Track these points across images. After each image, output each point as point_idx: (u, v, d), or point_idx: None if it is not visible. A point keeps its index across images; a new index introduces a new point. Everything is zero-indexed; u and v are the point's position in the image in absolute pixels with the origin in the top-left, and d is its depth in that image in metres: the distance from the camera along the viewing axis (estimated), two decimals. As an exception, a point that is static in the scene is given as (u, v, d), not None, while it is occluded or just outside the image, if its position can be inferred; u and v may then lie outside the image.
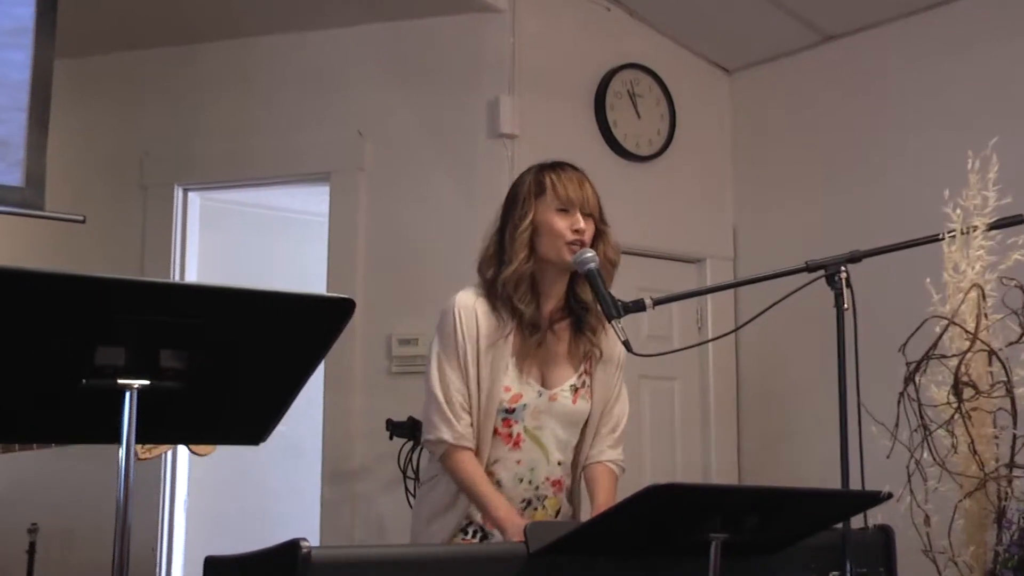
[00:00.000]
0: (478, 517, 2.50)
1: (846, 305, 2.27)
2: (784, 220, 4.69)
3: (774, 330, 4.41)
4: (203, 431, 1.82)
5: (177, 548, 4.47)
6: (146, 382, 1.57)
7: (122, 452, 1.58)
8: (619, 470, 2.63)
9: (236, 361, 1.64)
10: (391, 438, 3.83)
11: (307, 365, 1.69)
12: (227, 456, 5.39)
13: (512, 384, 2.50)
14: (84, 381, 1.54)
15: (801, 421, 4.39)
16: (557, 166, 2.58)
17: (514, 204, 2.56)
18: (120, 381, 1.55)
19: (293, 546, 1.75)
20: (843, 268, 2.33)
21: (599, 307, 2.53)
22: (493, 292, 2.51)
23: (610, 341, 2.62)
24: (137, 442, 1.60)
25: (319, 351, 1.68)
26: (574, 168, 2.59)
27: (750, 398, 4.78)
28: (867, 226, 4.09)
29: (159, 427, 1.67)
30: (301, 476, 5.02)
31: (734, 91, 5.01)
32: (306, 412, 4.74)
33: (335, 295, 1.62)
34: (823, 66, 4.64)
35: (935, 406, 2.05)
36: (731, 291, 4.76)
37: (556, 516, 2.56)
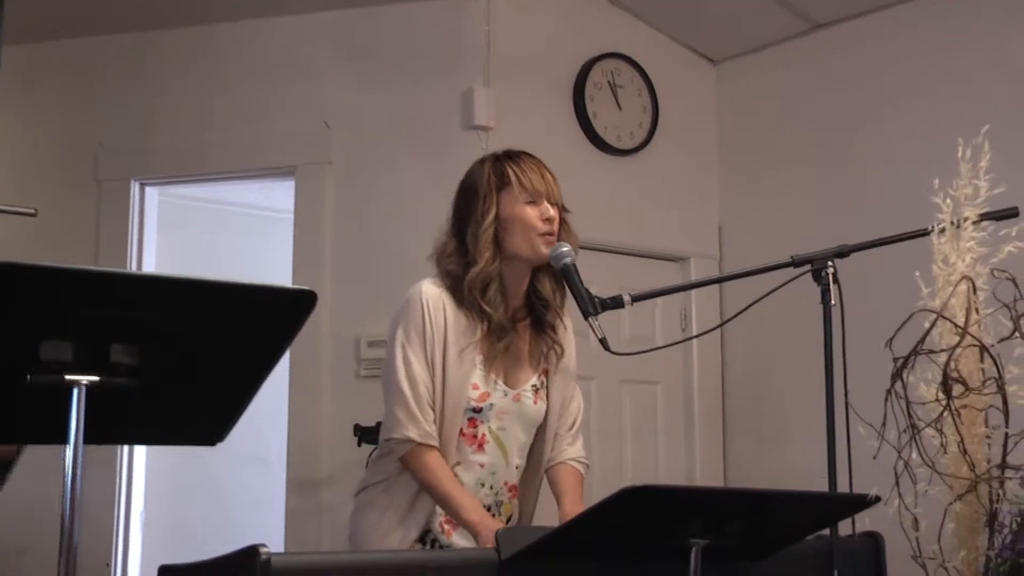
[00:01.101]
0: (435, 525, 2.49)
1: (833, 301, 2.29)
2: (772, 217, 4.71)
3: (760, 331, 4.43)
4: (156, 431, 1.80)
5: (133, 563, 4.45)
6: (95, 378, 1.55)
7: (69, 452, 1.57)
8: (583, 468, 2.65)
9: (191, 357, 1.63)
10: (359, 444, 3.82)
11: (267, 361, 1.68)
12: (186, 466, 5.40)
13: (480, 382, 2.50)
14: (29, 377, 1.52)
15: (790, 425, 4.41)
16: (514, 156, 2.58)
17: (473, 199, 2.54)
18: (68, 377, 1.54)
19: (251, 552, 1.74)
20: (830, 263, 2.35)
21: (557, 302, 2.56)
22: (458, 292, 2.50)
23: (568, 344, 2.65)
24: (86, 442, 1.59)
25: (279, 346, 1.67)
26: (530, 156, 2.60)
27: (736, 402, 4.80)
28: (857, 221, 4.12)
29: (110, 427, 1.66)
30: (265, 486, 5.01)
31: (720, 82, 5.03)
32: (270, 419, 4.74)
33: (296, 287, 1.61)
34: (812, 56, 4.66)
35: (924, 403, 2.07)
36: (716, 290, 4.78)
37: (507, 522, 2.57)
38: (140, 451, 4.59)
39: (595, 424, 4.45)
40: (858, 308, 2.34)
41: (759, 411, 4.68)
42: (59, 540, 1.57)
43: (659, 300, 4.67)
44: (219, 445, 5.81)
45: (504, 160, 2.57)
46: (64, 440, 1.58)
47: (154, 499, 4.73)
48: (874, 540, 2.41)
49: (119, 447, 4.38)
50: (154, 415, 1.70)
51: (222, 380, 1.70)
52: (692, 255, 4.86)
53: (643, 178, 4.74)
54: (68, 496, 1.58)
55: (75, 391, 1.55)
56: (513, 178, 2.52)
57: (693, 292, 4.72)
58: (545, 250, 2.49)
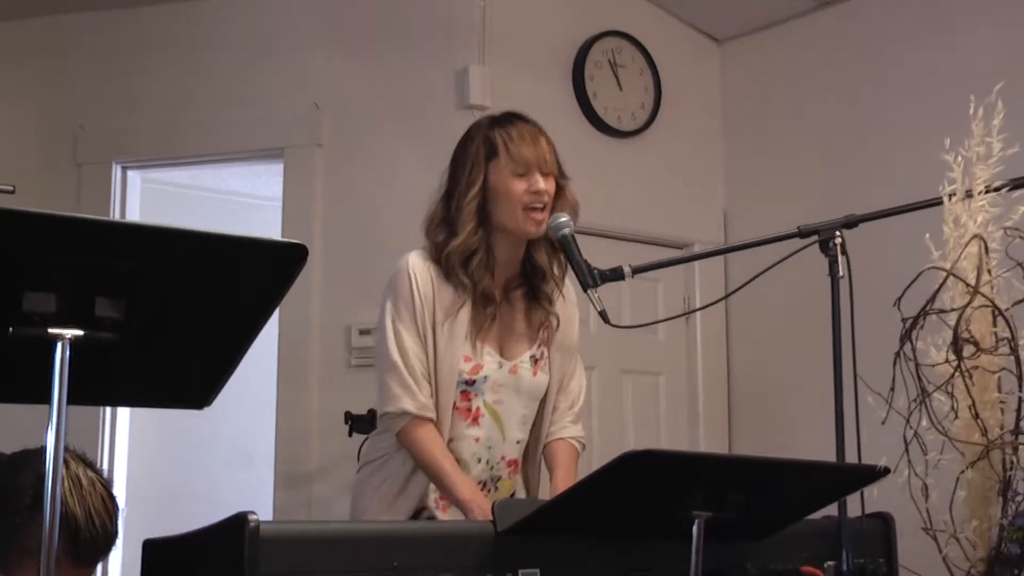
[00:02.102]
0: (430, 501, 2.52)
1: (841, 272, 2.31)
2: (778, 201, 4.72)
3: (766, 322, 4.45)
4: (142, 391, 1.81)
5: (114, 560, 4.45)
6: (79, 332, 1.55)
7: (53, 408, 1.58)
8: (580, 446, 2.69)
9: (178, 312, 1.64)
10: (351, 434, 3.83)
11: (256, 319, 1.70)
12: (169, 464, 5.40)
13: (470, 353, 2.53)
14: (10, 329, 1.53)
15: (797, 416, 4.42)
16: (507, 121, 2.58)
17: (461, 167, 2.56)
18: (51, 330, 1.54)
19: (239, 520, 1.76)
20: (838, 233, 2.36)
21: (556, 272, 2.59)
22: (443, 261, 2.53)
23: (566, 315, 2.67)
24: (70, 402, 1.60)
25: (269, 303, 1.69)
26: (525, 121, 2.60)
27: (742, 393, 4.82)
28: (867, 204, 4.12)
29: (93, 385, 1.67)
30: (252, 484, 5.02)
31: (724, 62, 5.05)
32: (256, 416, 4.75)
33: (286, 240, 1.63)
34: (819, 34, 4.68)
35: (934, 365, 2.09)
36: (720, 275, 4.78)
37: None
38: (121, 448, 4.59)
39: (596, 416, 4.47)
40: (866, 274, 2.36)
41: (765, 402, 4.70)
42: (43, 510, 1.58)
43: (661, 285, 4.70)
44: (203, 442, 5.81)
45: (496, 126, 2.58)
46: (47, 399, 1.59)
47: (135, 499, 4.73)
48: (884, 521, 2.42)
49: (99, 445, 4.39)
50: (139, 374, 1.71)
51: (210, 338, 1.71)
52: (696, 241, 4.86)
53: (645, 161, 4.76)
54: (51, 455, 1.59)
55: (58, 344, 1.55)
56: (501, 146, 2.53)
57: (696, 277, 4.75)
58: (530, 228, 2.52)
